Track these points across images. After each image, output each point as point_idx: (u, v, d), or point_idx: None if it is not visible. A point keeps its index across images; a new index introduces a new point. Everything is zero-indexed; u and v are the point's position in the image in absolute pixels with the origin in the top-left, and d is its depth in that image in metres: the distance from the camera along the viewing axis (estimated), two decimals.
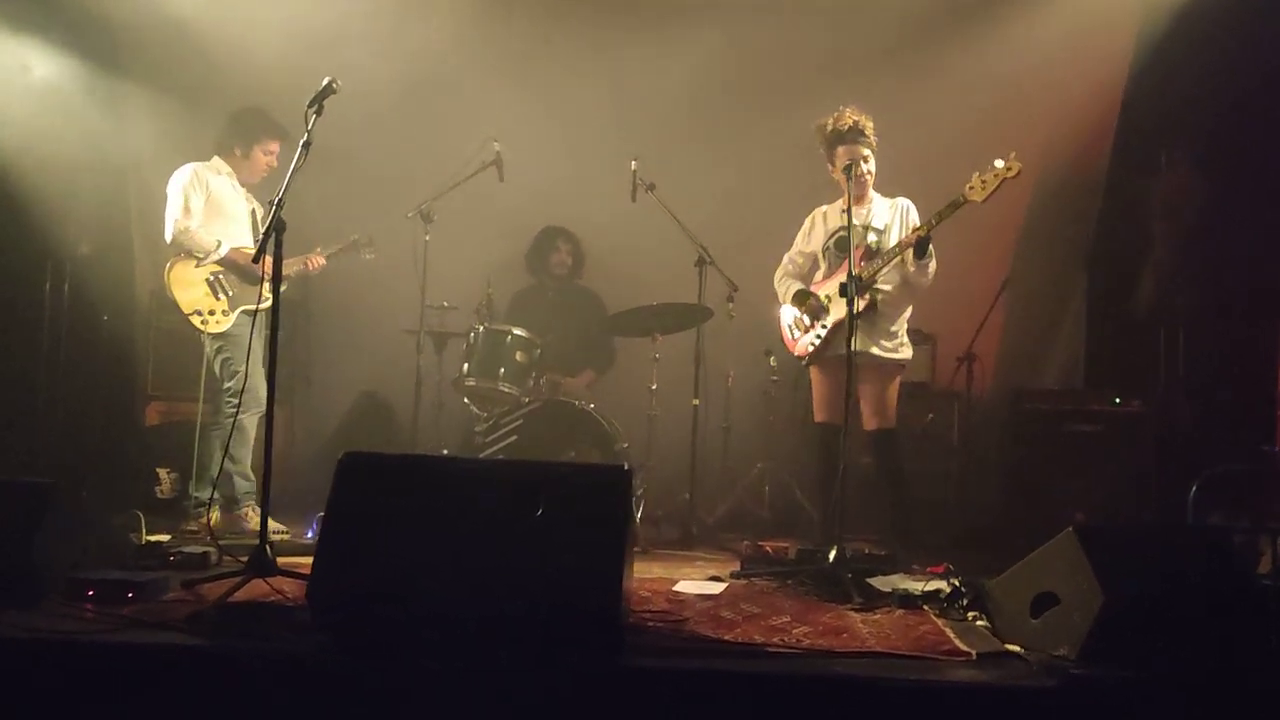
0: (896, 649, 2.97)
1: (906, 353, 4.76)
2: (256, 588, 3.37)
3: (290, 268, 5.11)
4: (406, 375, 5.62)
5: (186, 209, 5.02)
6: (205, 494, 5.01)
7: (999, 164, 4.23)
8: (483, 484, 2.95)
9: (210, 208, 5.11)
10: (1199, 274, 5.90)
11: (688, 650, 2.94)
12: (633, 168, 5.41)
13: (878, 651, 2.94)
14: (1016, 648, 3.09)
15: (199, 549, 4.00)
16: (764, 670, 2.78)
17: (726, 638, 3.09)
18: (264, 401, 4.80)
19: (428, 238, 5.37)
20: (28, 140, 5.79)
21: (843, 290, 4.15)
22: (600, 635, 2.76)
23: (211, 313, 5.05)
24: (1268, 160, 5.51)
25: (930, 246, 4.46)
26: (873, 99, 4.88)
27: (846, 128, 4.64)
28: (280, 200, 3.49)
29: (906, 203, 4.77)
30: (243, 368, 4.96)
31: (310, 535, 4.60)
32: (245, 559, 3.64)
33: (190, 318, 5.03)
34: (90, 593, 3.20)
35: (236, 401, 4.95)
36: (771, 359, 5.98)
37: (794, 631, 3.20)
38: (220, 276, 5.08)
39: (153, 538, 4.59)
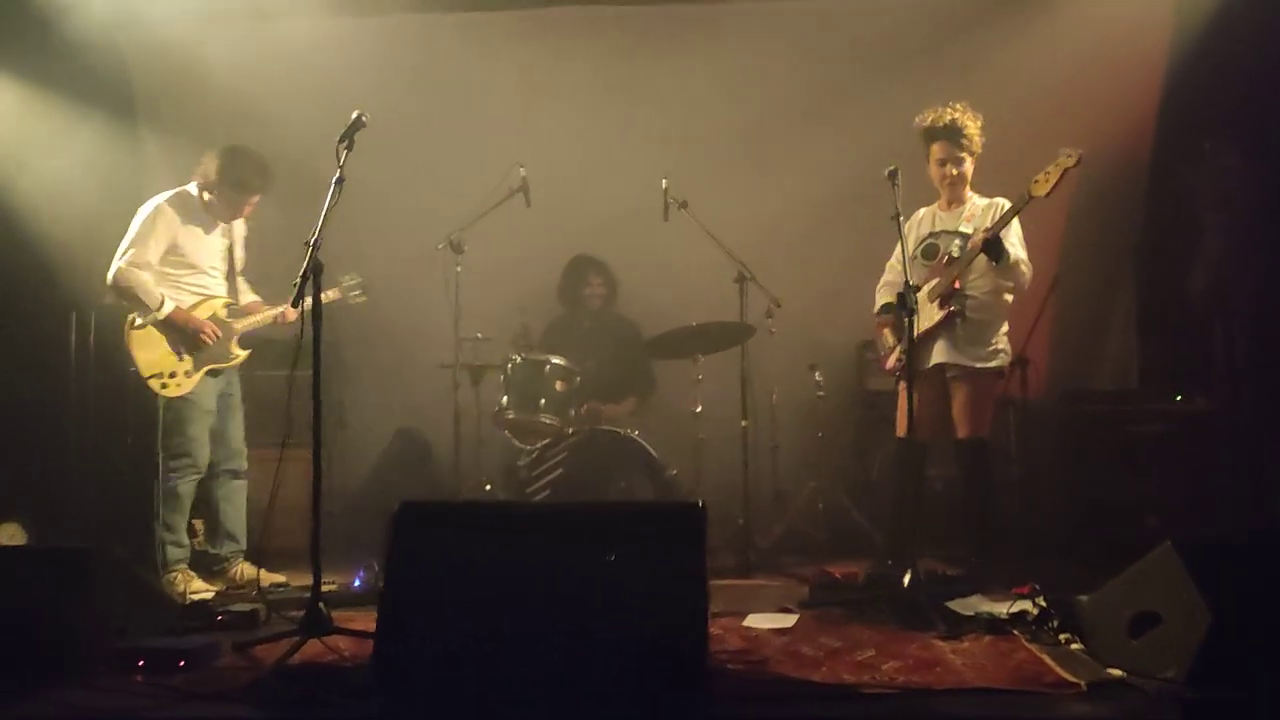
0: (998, 683, 2.79)
1: (1002, 360, 4.58)
2: (310, 647, 3.21)
3: (263, 319, 4.90)
4: (442, 411, 5.46)
5: (140, 250, 4.65)
6: (225, 548, 4.90)
7: (1061, 155, 4.13)
8: (549, 529, 2.79)
9: (174, 256, 4.74)
10: (1255, 263, 5.71)
11: (775, 696, 2.78)
12: (663, 186, 5.26)
13: (980, 687, 2.75)
14: (1118, 672, 2.91)
15: (246, 607, 3.85)
16: (861, 715, 2.61)
17: (814, 678, 2.91)
18: (203, 468, 4.77)
19: (459, 269, 5.22)
20: (49, 193, 5.69)
21: (935, 300, 4.01)
22: (686, 684, 2.58)
23: (173, 375, 4.68)
24: None
25: (1005, 247, 4.32)
26: (909, 98, 4.75)
27: (942, 125, 4.52)
28: (317, 241, 3.35)
29: (1002, 202, 4.58)
30: (189, 431, 4.70)
31: (357, 585, 4.43)
32: (294, 614, 3.51)
33: (150, 381, 4.66)
34: (140, 662, 3.05)
35: (175, 465, 4.71)
36: (817, 374, 5.79)
37: (883, 667, 3.02)
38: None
39: (195, 595, 4.47)
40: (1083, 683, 2.77)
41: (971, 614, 3.61)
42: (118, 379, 5.94)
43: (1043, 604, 3.54)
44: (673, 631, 2.60)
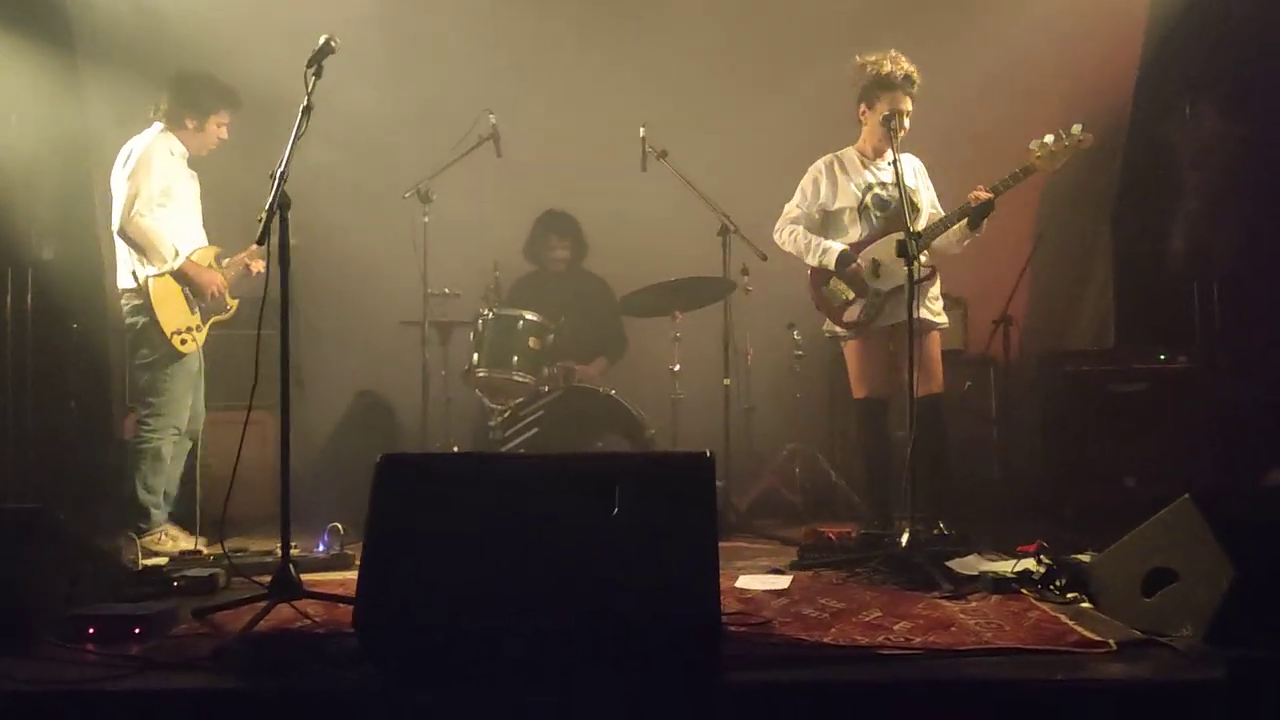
0: (1023, 643, 2.65)
1: (944, 317, 4.51)
2: (279, 613, 2.97)
3: (231, 269, 4.68)
4: (405, 370, 5.23)
5: (145, 196, 4.36)
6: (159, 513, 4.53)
7: (1076, 130, 3.99)
8: (545, 482, 2.57)
9: (166, 199, 4.46)
10: (1233, 224, 5.64)
11: (789, 659, 2.60)
12: (641, 135, 5.03)
13: (1007, 648, 2.60)
14: (1136, 631, 2.79)
15: (204, 571, 3.59)
16: (887, 678, 2.44)
17: (825, 640, 2.74)
18: (184, 429, 4.55)
19: (426, 219, 4.95)
20: None
21: (899, 251, 3.79)
22: (699, 647, 2.39)
23: (190, 330, 4.49)
24: None
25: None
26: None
27: (901, 74, 4.25)
28: (283, 173, 3.08)
29: (916, 160, 4.50)
30: (175, 391, 4.47)
31: (321, 549, 4.19)
32: (260, 579, 3.26)
33: (172, 338, 4.42)
34: (91, 631, 2.79)
35: (157, 425, 4.46)
36: (795, 333, 5.61)
37: (895, 628, 2.87)
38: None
39: (149, 561, 4.19)
40: (1112, 641, 2.63)
41: (975, 574, 3.47)
42: (61, 336, 5.62)
43: (1048, 562, 3.41)
44: (683, 590, 2.41)
